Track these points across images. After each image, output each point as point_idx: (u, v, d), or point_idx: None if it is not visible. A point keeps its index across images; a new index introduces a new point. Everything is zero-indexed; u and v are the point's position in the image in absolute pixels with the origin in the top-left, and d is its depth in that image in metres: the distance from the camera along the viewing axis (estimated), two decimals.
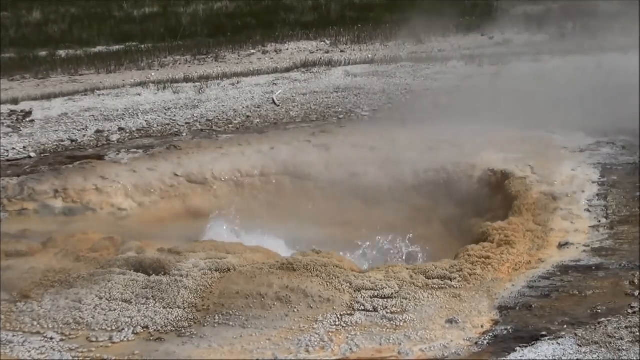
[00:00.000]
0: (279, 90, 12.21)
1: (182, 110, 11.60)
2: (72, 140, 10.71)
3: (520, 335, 5.85)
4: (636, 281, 6.42)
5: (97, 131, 10.97)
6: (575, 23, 16.07)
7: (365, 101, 11.69)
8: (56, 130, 10.98)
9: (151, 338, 6.09)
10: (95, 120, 11.31)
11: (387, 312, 6.20)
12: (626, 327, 5.74)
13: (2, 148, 10.35)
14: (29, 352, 5.93)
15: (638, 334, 5.62)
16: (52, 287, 6.71)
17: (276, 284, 6.45)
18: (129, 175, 9.45)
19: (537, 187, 8.34)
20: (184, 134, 10.80)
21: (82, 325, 6.25)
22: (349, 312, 6.22)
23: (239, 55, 15.81)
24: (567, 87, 10.62)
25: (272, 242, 8.04)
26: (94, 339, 6.08)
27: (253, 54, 15.90)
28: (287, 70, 13.49)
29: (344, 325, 6.08)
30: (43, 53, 16.72)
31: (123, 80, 13.53)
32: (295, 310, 6.24)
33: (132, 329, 6.17)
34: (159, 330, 6.16)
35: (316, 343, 5.88)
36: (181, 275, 6.72)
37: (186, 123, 11.19)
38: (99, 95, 12.28)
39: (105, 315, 6.33)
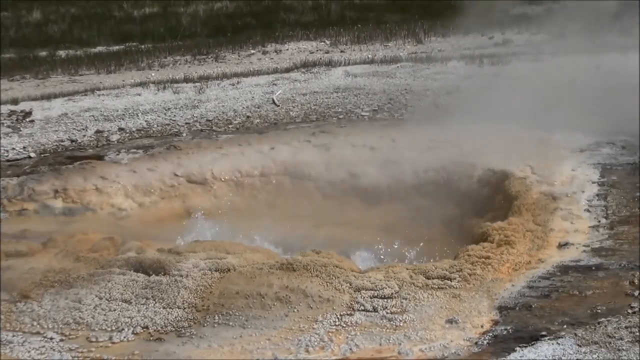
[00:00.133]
0: (279, 91, 12.21)
1: (182, 111, 11.60)
2: (72, 141, 10.71)
3: (520, 336, 5.85)
4: (636, 281, 6.42)
5: (97, 131, 10.97)
6: (575, 23, 16.06)
7: (365, 101, 11.69)
8: (56, 131, 10.98)
9: (151, 338, 6.09)
10: (95, 120, 11.32)
11: (387, 312, 6.20)
12: (626, 327, 5.74)
13: (2, 148, 10.36)
14: (29, 352, 5.94)
15: (638, 334, 5.62)
16: (52, 287, 6.72)
17: (276, 284, 6.45)
18: (129, 175, 9.45)
19: (537, 187, 8.34)
20: (184, 134, 10.80)
21: (82, 325, 6.25)
22: (348, 312, 6.22)
23: (239, 56, 15.81)
24: (567, 87, 10.61)
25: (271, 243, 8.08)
26: (93, 339, 6.08)
27: (253, 54, 15.90)
28: (287, 70, 13.49)
29: (344, 325, 6.08)
30: (43, 53, 16.73)
31: (123, 81, 13.53)
32: (295, 310, 6.24)
33: (132, 329, 6.17)
34: (158, 331, 6.16)
35: (316, 343, 5.88)
36: (181, 276, 6.72)
37: (186, 123, 11.18)
38: (99, 95, 12.28)
39: (105, 315, 6.34)
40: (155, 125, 11.16)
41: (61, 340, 6.09)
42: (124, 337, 6.09)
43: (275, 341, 5.94)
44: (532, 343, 5.70)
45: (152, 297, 6.50)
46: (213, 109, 11.65)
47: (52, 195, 9.12)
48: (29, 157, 10.23)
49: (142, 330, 6.18)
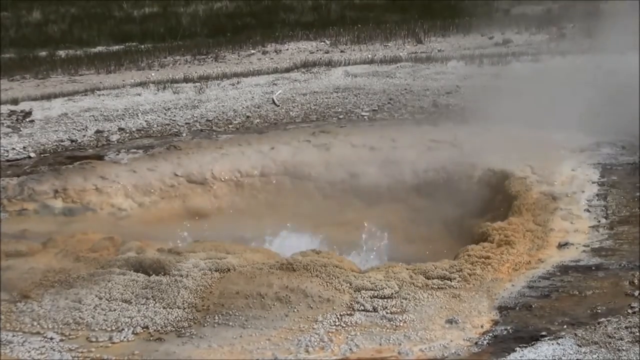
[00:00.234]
0: (278, 91, 12.21)
1: (182, 111, 11.60)
2: (72, 141, 10.71)
3: (520, 336, 5.85)
4: (636, 281, 6.42)
5: (97, 131, 10.97)
6: (575, 23, 16.08)
7: (365, 101, 11.69)
8: (56, 131, 10.98)
9: (151, 338, 6.09)
10: (95, 120, 11.32)
11: (387, 312, 6.20)
12: (626, 327, 5.74)
13: (2, 148, 10.36)
14: (29, 352, 5.94)
15: (638, 334, 5.62)
16: (52, 287, 6.72)
17: (276, 284, 6.45)
18: (129, 175, 9.45)
19: (537, 187, 8.34)
20: (184, 134, 10.80)
21: (82, 325, 6.25)
22: (348, 312, 6.22)
23: (238, 56, 15.81)
24: (567, 87, 10.61)
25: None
26: (93, 339, 6.08)
27: (253, 54, 15.91)
28: (287, 70, 13.50)
29: (344, 325, 6.08)
30: (43, 53, 16.74)
31: (123, 81, 13.54)
32: (295, 310, 6.24)
33: (132, 329, 6.17)
34: (158, 331, 6.16)
35: (316, 343, 5.88)
36: (181, 276, 6.72)
37: (186, 123, 11.18)
38: (99, 95, 12.28)
39: (105, 315, 6.34)
40: (155, 125, 11.16)
41: (61, 340, 6.09)
42: (124, 337, 6.09)
43: (275, 341, 5.93)
44: (532, 343, 5.70)
45: (152, 297, 6.50)
46: (213, 109, 11.65)
47: (52, 195, 9.12)
48: (29, 157, 10.23)
49: (142, 330, 6.17)
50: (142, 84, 12.83)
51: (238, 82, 12.70)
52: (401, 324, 6.07)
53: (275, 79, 12.86)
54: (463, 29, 16.96)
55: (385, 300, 6.33)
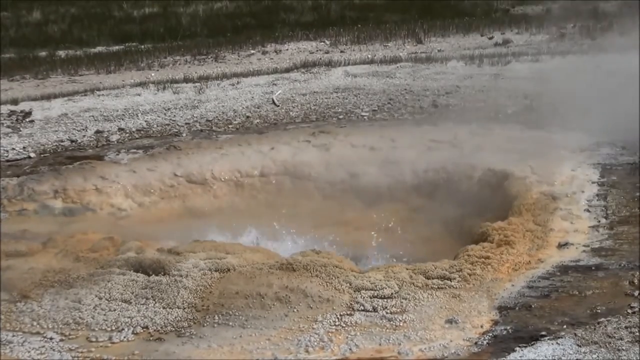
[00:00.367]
0: (278, 91, 12.21)
1: (182, 111, 11.60)
2: (72, 141, 10.72)
3: (520, 336, 5.85)
4: (636, 281, 6.42)
5: (97, 131, 10.97)
6: (575, 23, 16.09)
7: (365, 101, 11.69)
8: (56, 131, 10.98)
9: (151, 338, 6.09)
10: (95, 120, 11.32)
11: (386, 312, 6.20)
12: (626, 327, 5.74)
13: (2, 148, 10.36)
14: (29, 352, 5.93)
15: (638, 334, 5.62)
16: (52, 287, 6.71)
17: (276, 284, 6.45)
18: (128, 175, 9.45)
19: (537, 187, 8.34)
20: (184, 134, 10.80)
21: (82, 325, 6.24)
22: (348, 312, 6.22)
23: (238, 56, 15.82)
24: (567, 87, 10.62)
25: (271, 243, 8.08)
26: (93, 339, 6.07)
27: (253, 54, 15.91)
28: (287, 70, 13.50)
29: (344, 325, 6.08)
30: (43, 53, 16.75)
31: (123, 81, 13.54)
32: (295, 310, 6.24)
33: (131, 329, 6.17)
34: (158, 331, 6.16)
35: (316, 343, 5.88)
36: (181, 276, 6.71)
37: (186, 123, 11.19)
38: (98, 95, 12.28)
39: (105, 315, 6.33)
40: (155, 126, 11.16)
41: (61, 340, 6.09)
42: (124, 337, 6.09)
43: (275, 341, 5.93)
44: (532, 343, 5.70)
45: (152, 297, 6.50)
46: (213, 109, 11.66)
47: (52, 195, 9.12)
48: (29, 157, 10.24)
49: (142, 330, 6.17)
50: (142, 84, 12.83)
51: (238, 82, 12.70)
52: (401, 324, 6.07)
53: (275, 79, 12.86)
54: (463, 29, 16.98)
55: (385, 300, 6.33)
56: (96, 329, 6.19)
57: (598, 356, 5.43)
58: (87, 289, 6.63)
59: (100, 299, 6.52)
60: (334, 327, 6.06)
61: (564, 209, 7.87)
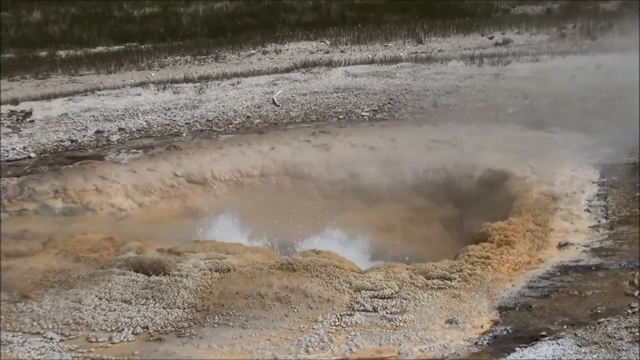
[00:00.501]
0: (279, 91, 12.21)
1: (182, 111, 11.60)
2: (72, 141, 10.71)
3: (520, 336, 5.85)
4: (636, 281, 6.42)
5: (97, 131, 10.97)
6: (575, 23, 16.09)
7: (365, 101, 11.69)
8: (56, 131, 10.98)
9: (151, 338, 6.09)
10: (95, 120, 11.32)
11: (386, 313, 6.20)
12: (626, 327, 5.74)
13: (2, 148, 10.36)
14: (29, 352, 5.94)
15: (638, 334, 5.62)
16: (52, 288, 6.72)
17: (276, 284, 6.45)
18: (129, 175, 9.45)
19: (537, 187, 8.34)
20: (184, 134, 10.80)
21: (82, 325, 6.25)
22: (348, 313, 6.22)
23: (239, 56, 15.82)
24: (567, 87, 10.62)
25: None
26: (93, 339, 6.08)
27: (253, 54, 15.91)
28: (287, 70, 13.50)
29: (344, 325, 6.08)
30: (43, 53, 16.75)
31: (123, 81, 13.54)
32: (295, 310, 6.24)
33: (131, 329, 6.17)
34: (158, 331, 6.16)
35: (316, 343, 5.88)
36: (181, 276, 6.72)
37: (186, 123, 11.18)
38: (99, 95, 12.28)
39: (105, 315, 6.34)
40: (155, 125, 11.16)
41: (61, 340, 6.09)
42: (124, 337, 6.09)
43: (275, 341, 5.93)
44: (532, 343, 5.70)
45: (152, 297, 6.50)
46: (213, 109, 11.65)
47: (52, 195, 9.12)
48: (29, 157, 10.24)
49: (142, 331, 6.17)
50: (142, 84, 12.83)
51: (238, 82, 12.70)
52: (401, 324, 6.07)
53: (276, 79, 12.86)
54: (463, 29, 16.98)
55: (385, 300, 6.33)
56: (96, 329, 6.20)
57: (598, 356, 5.43)
58: (87, 289, 6.63)
59: (101, 299, 6.52)
60: (334, 327, 6.06)
61: (564, 209, 7.87)
